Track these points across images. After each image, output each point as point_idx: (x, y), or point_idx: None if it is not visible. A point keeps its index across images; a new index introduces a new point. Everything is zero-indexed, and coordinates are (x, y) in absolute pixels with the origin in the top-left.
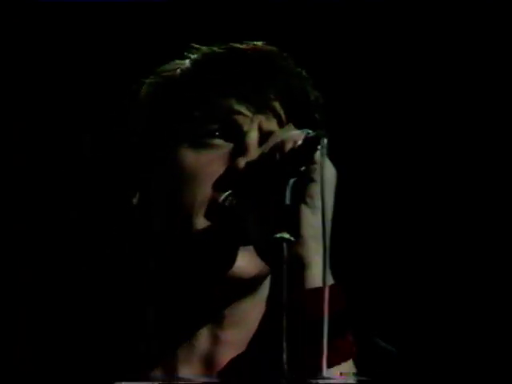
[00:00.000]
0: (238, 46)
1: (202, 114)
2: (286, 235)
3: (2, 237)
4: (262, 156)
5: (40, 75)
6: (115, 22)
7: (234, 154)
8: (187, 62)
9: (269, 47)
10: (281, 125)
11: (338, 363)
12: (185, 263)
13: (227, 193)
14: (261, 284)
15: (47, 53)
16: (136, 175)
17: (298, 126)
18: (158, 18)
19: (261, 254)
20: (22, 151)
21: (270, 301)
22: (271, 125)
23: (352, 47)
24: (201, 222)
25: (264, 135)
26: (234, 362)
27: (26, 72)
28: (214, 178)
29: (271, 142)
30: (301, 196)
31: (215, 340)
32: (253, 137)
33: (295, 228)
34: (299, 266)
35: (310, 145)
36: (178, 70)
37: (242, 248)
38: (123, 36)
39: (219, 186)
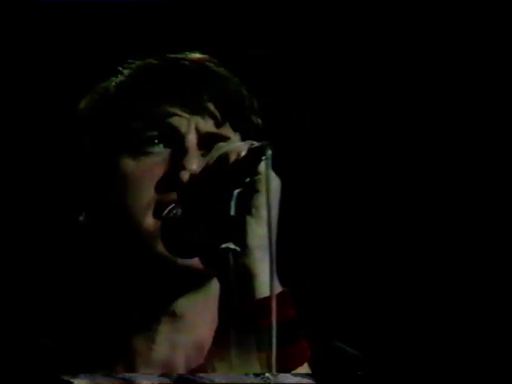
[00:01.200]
0: (173, 56)
1: (139, 123)
2: (232, 245)
3: (2, 237)
4: (206, 167)
5: (40, 75)
6: (115, 22)
7: (175, 157)
8: (121, 76)
9: (202, 56)
10: (218, 125)
11: (293, 369)
12: (136, 261)
13: (170, 206)
14: (210, 279)
15: (47, 53)
16: (81, 190)
17: (235, 127)
18: (159, 18)
19: (207, 263)
20: (22, 151)
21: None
22: (208, 126)
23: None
24: (149, 221)
25: (202, 136)
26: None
27: (26, 72)
28: (157, 181)
29: (216, 153)
30: (246, 207)
31: (171, 344)
32: (191, 139)
33: (241, 238)
34: (247, 276)
35: (254, 155)
36: (113, 84)
37: None
38: (123, 36)
39: (163, 187)
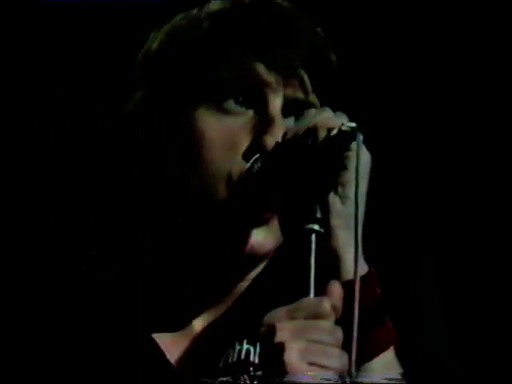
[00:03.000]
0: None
1: (225, 73)
2: (316, 227)
3: (2, 237)
4: (294, 138)
5: (41, 76)
6: (116, 23)
7: (257, 124)
8: (203, 15)
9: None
10: (306, 93)
11: (380, 353)
12: (203, 236)
13: (255, 157)
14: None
15: (48, 53)
16: (146, 139)
17: (320, 94)
18: (160, 18)
19: (284, 228)
20: (22, 151)
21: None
22: (297, 92)
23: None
24: (222, 194)
25: (288, 103)
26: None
27: (27, 72)
28: (236, 148)
29: (304, 122)
30: (332, 184)
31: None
32: (277, 106)
33: (325, 218)
34: (331, 259)
35: (344, 138)
36: (196, 25)
37: (261, 223)
38: (125, 36)
39: (242, 156)
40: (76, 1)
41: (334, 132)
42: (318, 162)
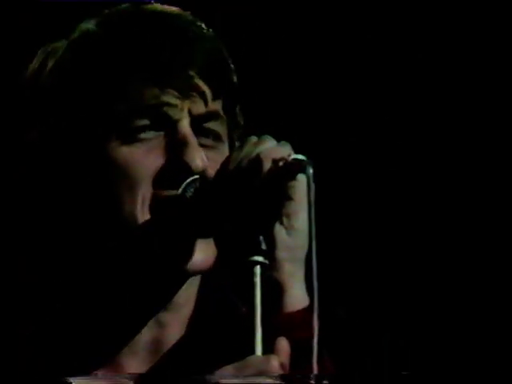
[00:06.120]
0: (149, 11)
1: (125, 107)
2: (261, 259)
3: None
4: (238, 169)
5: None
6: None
7: (170, 145)
8: (98, 39)
9: (176, 12)
10: (207, 103)
11: None
12: (134, 259)
13: (187, 181)
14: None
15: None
16: (64, 170)
17: (218, 96)
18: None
19: (228, 260)
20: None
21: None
22: (199, 107)
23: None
24: (147, 219)
25: (195, 119)
26: (178, 344)
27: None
28: (153, 173)
29: (246, 154)
30: (276, 215)
31: (159, 325)
32: (184, 124)
33: (269, 250)
34: (275, 290)
35: (291, 171)
36: (87, 47)
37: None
38: None
39: (161, 180)
40: (76, 1)
41: (281, 165)
42: (262, 193)
